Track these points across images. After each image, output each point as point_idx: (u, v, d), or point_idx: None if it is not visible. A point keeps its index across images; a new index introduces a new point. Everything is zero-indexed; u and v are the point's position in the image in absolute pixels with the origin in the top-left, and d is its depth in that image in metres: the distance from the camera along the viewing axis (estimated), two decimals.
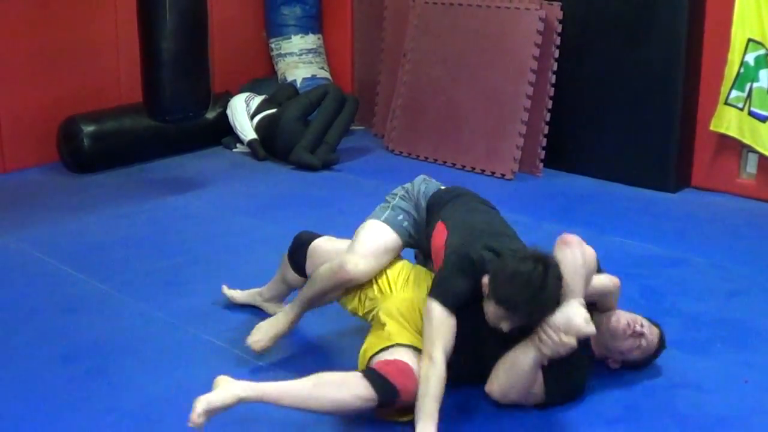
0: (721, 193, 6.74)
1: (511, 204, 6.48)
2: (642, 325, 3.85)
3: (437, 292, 3.52)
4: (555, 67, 7.12)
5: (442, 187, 4.32)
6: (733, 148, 6.66)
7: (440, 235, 3.83)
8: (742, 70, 6.40)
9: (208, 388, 3.76)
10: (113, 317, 4.70)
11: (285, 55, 8.73)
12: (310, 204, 6.59)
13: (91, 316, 4.73)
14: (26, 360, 4.25)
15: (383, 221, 4.16)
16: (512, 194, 6.80)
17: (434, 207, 4.07)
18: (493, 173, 7.20)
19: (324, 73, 8.77)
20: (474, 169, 7.32)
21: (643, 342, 3.85)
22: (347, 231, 5.77)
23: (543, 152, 7.19)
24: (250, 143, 7.76)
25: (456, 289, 3.51)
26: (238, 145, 8.00)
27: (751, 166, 6.68)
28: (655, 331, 3.94)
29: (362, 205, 6.38)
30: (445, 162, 7.52)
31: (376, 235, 4.11)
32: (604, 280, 3.88)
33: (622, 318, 3.85)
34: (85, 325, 4.61)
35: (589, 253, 3.64)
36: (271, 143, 7.65)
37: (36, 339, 4.46)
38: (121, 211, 6.38)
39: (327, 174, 7.33)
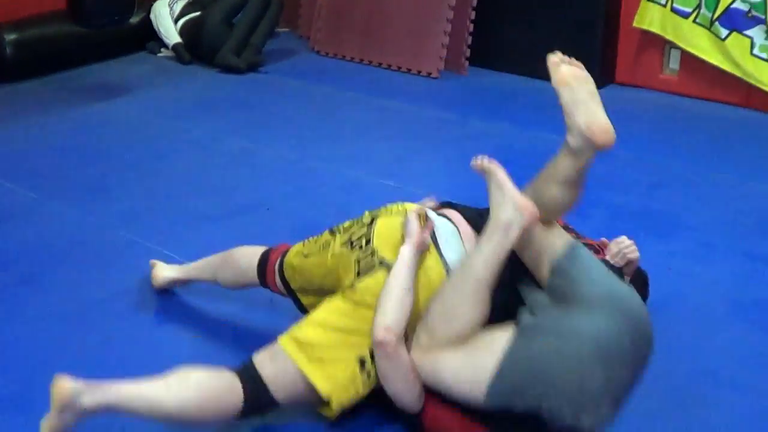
0: (644, 89, 6.84)
1: (438, 102, 6.58)
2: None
3: None
4: None
5: None
6: (656, 44, 6.74)
7: None
8: None
9: (141, 289, 3.85)
10: (44, 224, 4.69)
11: None
12: (237, 106, 6.59)
13: (20, 223, 4.72)
14: None
15: None
16: (438, 93, 6.86)
17: None
18: (419, 72, 7.21)
19: None
20: (400, 68, 7.33)
21: None
22: (272, 132, 5.84)
23: (468, 50, 7.21)
24: (175, 47, 7.70)
25: None
26: (162, 49, 7.92)
27: (674, 62, 6.76)
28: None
29: (289, 106, 6.46)
30: (371, 62, 7.52)
31: None
32: None
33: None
34: (15, 233, 4.60)
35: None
36: (196, 47, 7.60)
37: None
38: (47, 119, 6.31)
39: (253, 76, 7.30)
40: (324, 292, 3.14)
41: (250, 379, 2.88)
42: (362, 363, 2.91)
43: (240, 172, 5.35)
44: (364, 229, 3.11)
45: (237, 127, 6.03)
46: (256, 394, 2.87)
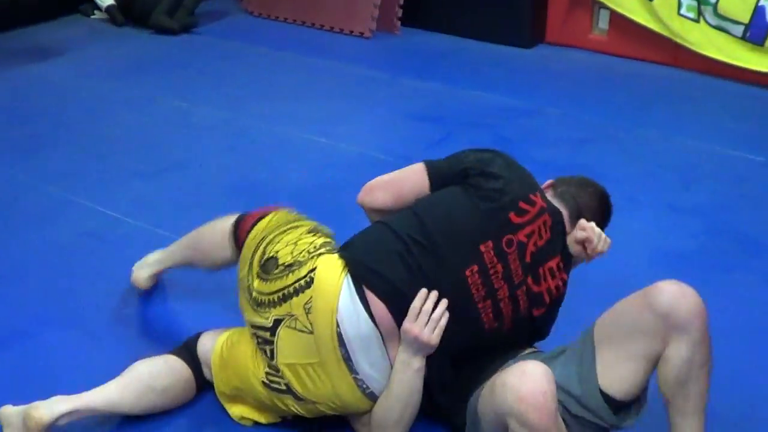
0: (574, 48, 6.93)
1: (370, 62, 6.64)
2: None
3: None
4: None
5: None
6: (585, 4, 6.84)
7: None
8: None
9: (74, 245, 3.89)
10: None
11: None
12: (171, 67, 6.59)
13: None
14: None
15: None
16: (370, 52, 6.92)
17: None
18: (351, 32, 7.26)
19: None
20: (332, 28, 7.36)
21: None
22: (206, 92, 5.87)
23: (400, 10, 7.25)
24: (108, 9, 7.65)
25: None
26: (95, 11, 7.86)
27: (603, 22, 6.88)
28: None
29: (222, 66, 6.49)
30: (303, 22, 7.54)
31: None
32: None
33: None
34: None
35: None
36: (129, 8, 7.55)
37: None
38: None
39: (186, 37, 7.29)
40: None
41: (197, 368, 3.06)
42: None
43: (173, 130, 5.39)
44: (268, 335, 2.80)
45: (171, 88, 6.05)
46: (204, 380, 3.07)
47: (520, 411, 2.33)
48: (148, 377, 2.96)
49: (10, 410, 2.85)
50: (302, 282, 2.75)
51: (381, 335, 2.71)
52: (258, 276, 2.86)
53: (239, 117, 5.55)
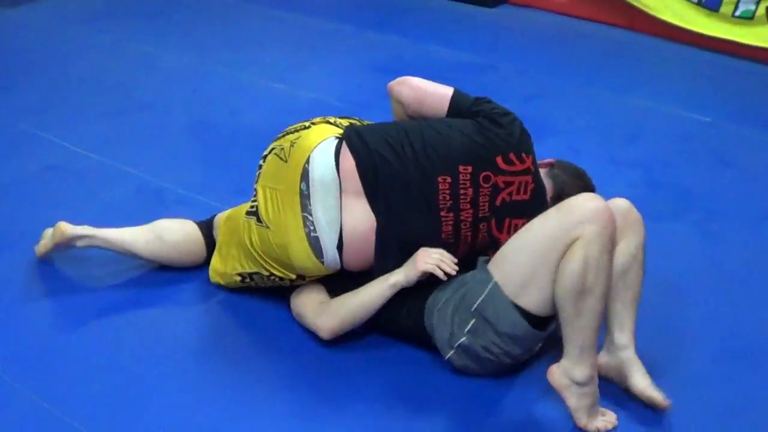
0: (535, 9, 7.09)
1: (333, 14, 6.80)
2: None
3: None
4: None
5: None
6: None
7: None
8: None
9: (38, 177, 4.07)
10: None
11: None
12: (141, 14, 6.71)
13: None
14: None
15: None
16: (334, 5, 7.05)
17: None
18: None
19: None
20: None
21: None
22: (173, 39, 6.02)
23: None
24: None
25: None
26: None
27: None
28: None
29: (190, 16, 6.63)
30: None
31: None
32: None
33: None
34: None
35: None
36: None
37: None
38: None
39: None
40: None
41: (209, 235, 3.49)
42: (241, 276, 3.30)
43: (140, 74, 5.54)
44: (261, 161, 3.24)
45: (138, 35, 6.19)
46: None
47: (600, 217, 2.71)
48: (161, 229, 3.45)
49: (47, 229, 3.51)
50: (307, 125, 3.23)
51: (340, 187, 3.03)
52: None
53: (204, 63, 5.71)
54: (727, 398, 3.00)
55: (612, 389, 2.96)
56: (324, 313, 3.09)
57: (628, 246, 2.90)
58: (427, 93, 3.31)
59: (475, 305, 2.89)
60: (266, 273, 3.18)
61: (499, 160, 3.08)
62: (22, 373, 2.97)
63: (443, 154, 3.06)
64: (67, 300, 3.36)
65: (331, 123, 3.24)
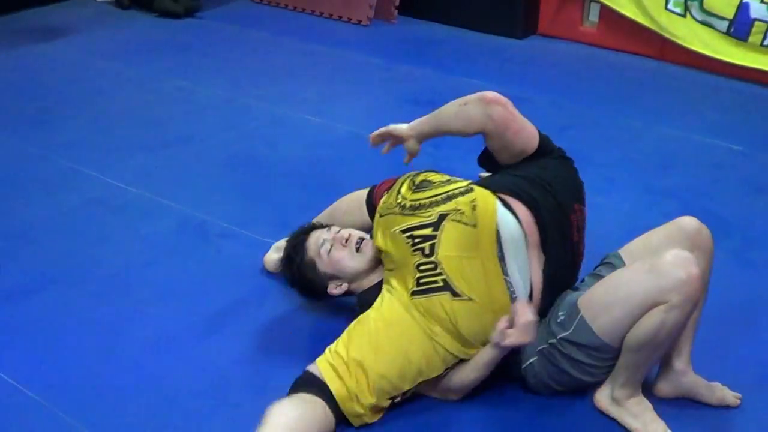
0: (565, 40, 7.14)
1: (366, 48, 6.85)
2: None
3: None
4: None
5: None
6: None
7: None
8: None
9: (80, 211, 4.12)
10: None
11: None
12: (175, 49, 6.79)
13: None
14: None
15: None
16: (368, 39, 7.11)
17: None
18: (350, 19, 7.46)
19: None
20: (332, 15, 7.58)
21: None
22: (208, 73, 6.10)
23: (397, 0, 7.49)
24: None
25: None
26: None
27: (594, 15, 7.08)
28: None
29: (225, 49, 6.71)
30: (304, 10, 7.73)
31: None
32: None
33: None
34: None
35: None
36: None
37: None
38: None
39: (191, 21, 7.49)
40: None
41: (328, 396, 2.88)
42: (392, 399, 2.97)
43: (176, 108, 5.60)
44: (429, 230, 3.00)
45: (174, 69, 6.27)
46: (339, 412, 2.89)
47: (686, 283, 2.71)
48: (282, 409, 2.80)
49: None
50: (463, 188, 3.09)
51: (526, 241, 3.00)
52: (412, 191, 3.16)
53: (240, 97, 5.76)
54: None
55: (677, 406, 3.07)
56: (450, 391, 3.06)
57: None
58: (519, 121, 3.23)
59: (566, 333, 2.94)
60: (450, 361, 2.98)
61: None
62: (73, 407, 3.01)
63: (569, 191, 3.18)
64: (113, 334, 3.40)
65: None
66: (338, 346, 2.95)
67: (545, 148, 3.28)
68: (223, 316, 3.48)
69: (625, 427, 2.95)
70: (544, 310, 3.04)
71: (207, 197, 4.42)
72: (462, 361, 2.99)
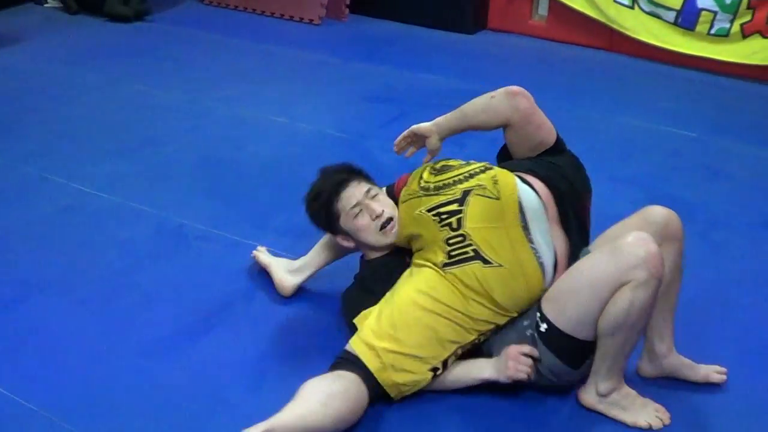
0: (515, 34, 7.26)
1: (321, 48, 6.90)
2: None
3: None
4: None
5: None
6: None
7: None
8: None
9: (54, 219, 4.11)
10: None
11: None
12: (128, 53, 6.79)
13: None
14: None
15: None
16: (321, 38, 7.19)
17: None
18: (302, 19, 7.52)
19: None
20: (283, 15, 7.63)
21: None
22: (165, 76, 6.08)
23: None
24: None
25: None
26: (49, 0, 8.02)
27: (543, 9, 7.20)
28: None
29: (178, 52, 6.70)
30: (254, 10, 7.78)
31: None
32: None
33: None
34: None
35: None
36: None
37: None
38: None
39: (141, 25, 7.50)
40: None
41: (363, 371, 2.95)
42: (434, 371, 3.04)
43: (137, 112, 5.60)
44: (455, 206, 3.11)
45: (130, 73, 6.26)
46: (374, 383, 2.96)
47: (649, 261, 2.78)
48: (315, 384, 2.89)
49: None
50: (482, 167, 3.22)
51: (546, 213, 3.14)
52: (434, 175, 3.25)
53: (200, 99, 5.78)
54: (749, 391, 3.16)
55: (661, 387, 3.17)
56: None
57: (667, 258, 2.97)
58: (541, 115, 3.40)
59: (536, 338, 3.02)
60: (482, 330, 3.08)
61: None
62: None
63: (581, 180, 3.34)
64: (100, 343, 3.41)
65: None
66: (370, 320, 3.05)
67: (560, 145, 3.42)
68: (212, 318, 3.50)
69: (615, 420, 3.01)
70: None
71: (180, 200, 4.43)
72: (496, 327, 3.10)
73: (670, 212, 3.11)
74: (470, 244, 3.05)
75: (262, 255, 3.76)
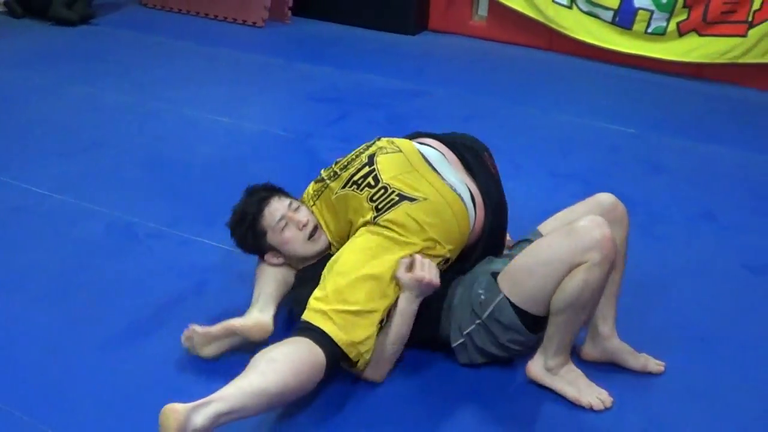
0: (456, 35, 7.39)
1: (264, 49, 6.99)
2: None
3: None
4: None
5: None
6: None
7: None
8: None
9: (5, 220, 4.12)
10: None
11: None
12: (75, 56, 6.82)
13: None
14: None
15: None
16: (265, 40, 7.28)
17: None
18: (245, 22, 7.61)
19: None
20: (226, 18, 7.71)
21: None
22: (111, 79, 6.11)
23: (291, 0, 7.65)
24: (6, 1, 7.83)
25: None
26: None
27: (483, 9, 7.32)
28: None
29: (124, 55, 6.74)
30: (197, 13, 7.86)
31: None
32: None
33: None
34: None
35: None
36: (28, 1, 7.74)
37: None
38: None
39: (86, 28, 7.53)
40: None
41: (320, 337, 2.94)
42: (380, 322, 3.10)
43: (85, 114, 5.64)
44: (366, 169, 3.29)
45: (77, 75, 6.29)
46: (331, 349, 2.95)
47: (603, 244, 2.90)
48: (264, 352, 2.86)
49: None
50: (374, 140, 3.49)
51: (447, 159, 3.41)
52: (331, 166, 3.47)
53: (146, 101, 5.83)
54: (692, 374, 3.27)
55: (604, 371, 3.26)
56: (370, 367, 3.14)
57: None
58: None
59: (487, 313, 3.12)
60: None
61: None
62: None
63: (475, 143, 3.60)
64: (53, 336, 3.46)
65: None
66: (315, 292, 3.09)
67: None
68: (165, 312, 3.55)
69: (560, 395, 3.12)
70: (490, 245, 3.40)
71: (130, 199, 4.47)
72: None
73: (618, 199, 3.33)
74: (393, 191, 3.21)
75: (204, 328, 3.26)
